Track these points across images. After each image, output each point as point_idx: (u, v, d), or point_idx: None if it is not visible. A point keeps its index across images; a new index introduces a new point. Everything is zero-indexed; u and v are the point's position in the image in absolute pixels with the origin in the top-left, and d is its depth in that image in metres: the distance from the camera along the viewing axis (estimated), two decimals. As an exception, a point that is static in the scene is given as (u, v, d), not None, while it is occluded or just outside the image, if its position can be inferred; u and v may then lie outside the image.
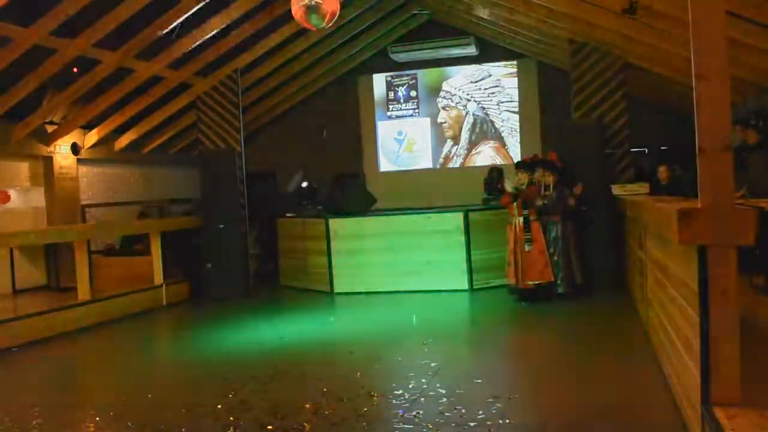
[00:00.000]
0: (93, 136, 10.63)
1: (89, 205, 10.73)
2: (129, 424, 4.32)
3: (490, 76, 12.54)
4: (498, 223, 8.67)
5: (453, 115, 12.81)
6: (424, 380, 4.95)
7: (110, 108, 9.96)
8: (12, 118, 9.01)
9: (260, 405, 4.58)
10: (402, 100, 13.02)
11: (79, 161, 10.58)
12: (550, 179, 8.01)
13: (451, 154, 12.86)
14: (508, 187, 8.03)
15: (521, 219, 7.89)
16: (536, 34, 10.09)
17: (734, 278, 3.08)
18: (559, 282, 7.91)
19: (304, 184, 12.22)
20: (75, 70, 8.76)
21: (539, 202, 7.86)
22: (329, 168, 12.39)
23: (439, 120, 12.88)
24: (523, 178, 8.04)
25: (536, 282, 7.87)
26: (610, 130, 9.13)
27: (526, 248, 7.85)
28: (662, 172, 8.70)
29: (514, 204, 7.94)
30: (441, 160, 12.90)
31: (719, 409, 3.00)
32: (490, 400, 4.39)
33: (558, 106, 10.95)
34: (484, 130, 12.67)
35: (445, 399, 4.50)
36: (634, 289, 7.31)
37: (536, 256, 7.85)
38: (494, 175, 10.49)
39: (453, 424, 4.00)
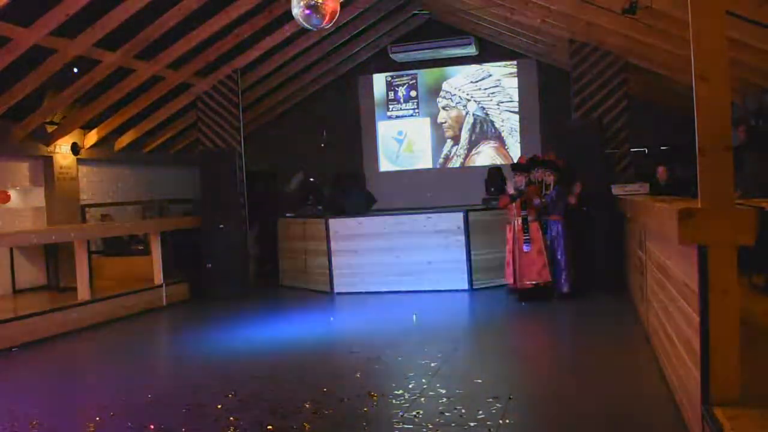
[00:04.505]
0: (93, 136, 10.62)
1: (89, 205, 10.72)
2: (129, 424, 4.32)
3: (490, 76, 12.54)
4: (498, 223, 8.67)
5: (453, 115, 12.81)
6: (424, 380, 4.95)
7: (110, 108, 9.96)
8: (12, 118, 9.00)
9: (260, 405, 4.58)
10: (402, 100, 13.02)
11: (79, 161, 10.58)
12: (550, 179, 8.02)
13: (451, 154, 12.86)
14: (511, 190, 8.01)
15: (520, 219, 7.90)
16: (536, 34, 10.10)
17: (734, 278, 3.08)
18: (562, 281, 7.92)
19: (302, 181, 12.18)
20: (75, 70, 8.76)
21: (537, 201, 7.86)
22: (329, 168, 12.38)
23: (439, 120, 12.88)
24: (520, 180, 8.05)
25: (534, 282, 7.87)
26: (610, 130, 9.13)
27: (525, 249, 7.85)
28: (661, 172, 8.70)
29: (513, 204, 7.95)
30: (441, 160, 12.90)
31: (719, 409, 3.00)
32: (490, 400, 4.40)
33: (558, 106, 10.95)
34: (484, 130, 12.67)
35: (445, 399, 4.50)
36: (634, 289, 7.30)
37: (535, 257, 7.85)
38: (495, 175, 10.47)
39: (453, 424, 4.00)
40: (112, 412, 4.59)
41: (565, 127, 9.01)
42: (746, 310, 4.15)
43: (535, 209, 7.90)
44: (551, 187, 7.99)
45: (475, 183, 10.81)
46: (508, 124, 12.50)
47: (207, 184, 9.88)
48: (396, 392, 4.68)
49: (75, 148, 10.38)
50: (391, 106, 13.10)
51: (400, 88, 13.02)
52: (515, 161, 9.58)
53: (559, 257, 7.93)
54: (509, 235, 8.05)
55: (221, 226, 9.76)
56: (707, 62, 3.13)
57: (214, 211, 9.80)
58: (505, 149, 12.48)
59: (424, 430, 3.94)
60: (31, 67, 8.06)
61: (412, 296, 8.85)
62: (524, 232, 7.87)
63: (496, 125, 12.58)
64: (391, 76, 13.01)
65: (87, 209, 10.60)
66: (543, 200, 7.91)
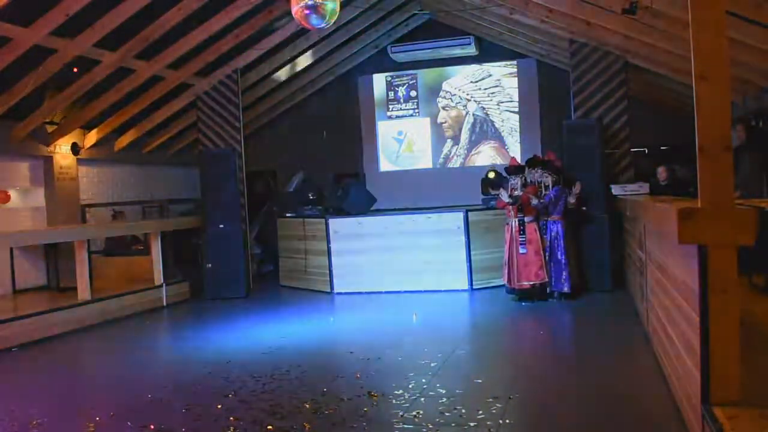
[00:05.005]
0: (93, 136, 10.62)
1: (89, 205, 10.72)
2: (129, 424, 4.32)
3: (490, 76, 12.54)
4: (498, 223, 8.67)
5: (453, 115, 12.81)
6: (424, 380, 4.95)
7: (110, 108, 9.95)
8: (12, 118, 9.00)
9: (260, 405, 4.58)
10: (402, 100, 13.02)
11: (79, 161, 10.58)
12: (548, 180, 8.02)
13: (451, 154, 12.85)
14: (504, 198, 7.97)
15: (516, 221, 7.90)
16: (536, 34, 10.10)
17: (734, 278, 3.08)
18: (563, 281, 7.91)
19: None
20: (75, 70, 8.75)
21: (534, 202, 7.86)
22: (329, 168, 12.39)
23: (439, 120, 12.88)
24: (517, 182, 8.02)
25: (532, 283, 7.88)
26: (610, 130, 9.14)
27: (521, 251, 7.85)
28: (661, 172, 8.71)
29: (510, 206, 7.94)
30: (441, 160, 12.89)
31: (719, 409, 3.00)
32: (490, 400, 4.40)
33: (558, 106, 10.95)
34: (484, 130, 12.66)
35: (445, 399, 4.50)
36: (634, 289, 7.31)
37: (532, 258, 7.86)
38: (492, 179, 10.43)
39: (453, 424, 4.00)
40: (112, 412, 4.59)
41: (565, 127, 9.01)
42: (746, 310, 4.15)
43: (532, 210, 7.89)
44: (549, 187, 7.99)
45: (475, 183, 10.80)
46: (508, 124, 12.50)
47: (207, 184, 9.88)
48: (396, 392, 4.68)
49: (75, 148, 10.38)
50: (391, 106, 13.10)
51: (400, 88, 13.01)
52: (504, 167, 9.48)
53: (559, 257, 7.93)
54: (507, 236, 8.05)
55: (221, 226, 9.76)
56: (707, 62, 3.13)
57: (214, 211, 9.79)
58: (505, 149, 12.47)
59: (424, 430, 3.94)
60: (31, 67, 8.05)
61: (412, 296, 8.85)
62: (521, 234, 7.87)
63: (496, 125, 12.57)
64: (391, 76, 13.00)
65: (87, 209, 10.60)
66: (541, 201, 7.90)
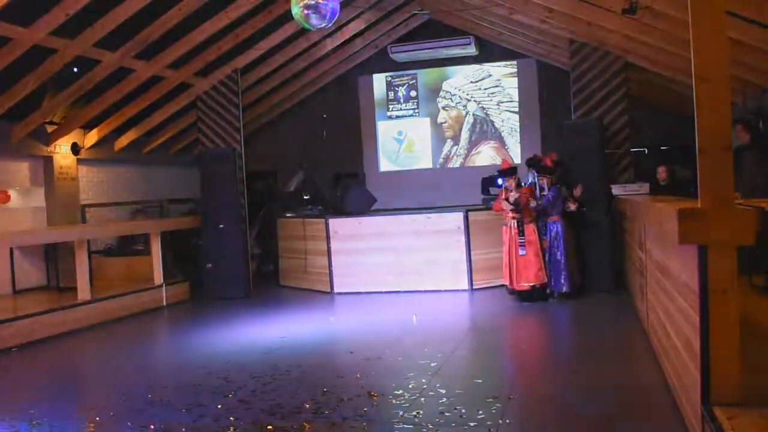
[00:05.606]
0: (93, 136, 10.62)
1: (89, 205, 10.72)
2: (129, 424, 4.32)
3: (490, 76, 12.54)
4: (498, 223, 8.67)
5: (453, 115, 12.81)
6: (424, 380, 4.95)
7: (110, 108, 9.95)
8: (12, 118, 9.00)
9: (260, 405, 4.58)
10: (402, 100, 13.02)
11: (79, 161, 10.58)
12: (543, 182, 8.01)
13: (451, 154, 12.85)
14: (505, 205, 7.95)
15: (515, 222, 7.89)
16: (536, 34, 10.09)
17: (734, 278, 3.08)
18: (562, 281, 7.91)
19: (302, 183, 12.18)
20: (75, 69, 8.75)
21: (532, 204, 7.85)
22: (329, 168, 12.39)
23: (439, 120, 12.88)
24: (512, 183, 8.01)
25: (532, 284, 7.88)
26: (610, 130, 9.14)
27: (521, 253, 7.85)
28: (661, 172, 8.71)
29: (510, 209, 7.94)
30: (441, 160, 12.89)
31: (719, 409, 3.01)
32: (490, 400, 4.40)
33: (558, 106, 10.94)
34: (484, 130, 12.66)
35: (445, 399, 4.50)
36: (634, 289, 7.30)
37: (531, 259, 7.86)
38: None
39: (453, 424, 4.00)
40: (112, 412, 4.59)
41: (565, 127, 9.01)
42: (746, 310, 4.14)
43: (530, 211, 7.89)
44: (546, 189, 7.98)
45: (475, 183, 10.81)
46: (508, 124, 12.50)
47: (207, 184, 9.88)
48: (396, 392, 4.69)
49: (75, 148, 10.38)
50: (391, 106, 13.10)
51: (400, 88, 13.01)
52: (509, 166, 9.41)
53: (558, 257, 7.92)
54: (505, 237, 8.05)
55: (221, 226, 9.76)
56: (707, 62, 3.13)
57: (214, 211, 9.80)
58: (505, 149, 12.47)
59: (424, 430, 3.94)
60: (31, 67, 8.05)
61: (412, 296, 8.85)
62: (520, 236, 7.87)
63: (496, 125, 12.57)
64: (391, 76, 13.00)
65: (87, 209, 10.60)
66: (539, 202, 7.89)
